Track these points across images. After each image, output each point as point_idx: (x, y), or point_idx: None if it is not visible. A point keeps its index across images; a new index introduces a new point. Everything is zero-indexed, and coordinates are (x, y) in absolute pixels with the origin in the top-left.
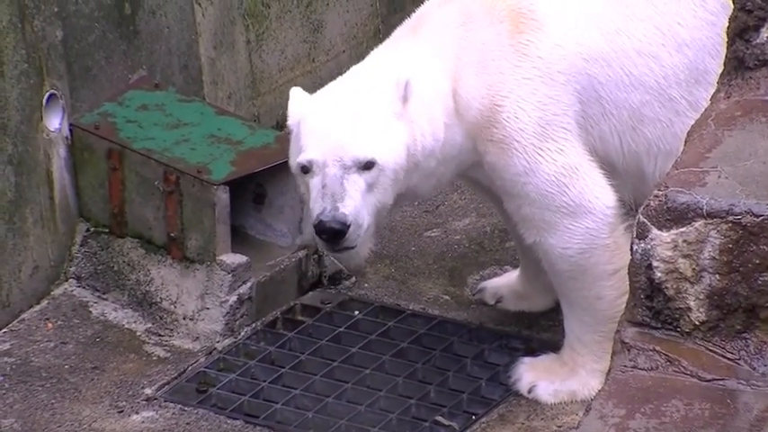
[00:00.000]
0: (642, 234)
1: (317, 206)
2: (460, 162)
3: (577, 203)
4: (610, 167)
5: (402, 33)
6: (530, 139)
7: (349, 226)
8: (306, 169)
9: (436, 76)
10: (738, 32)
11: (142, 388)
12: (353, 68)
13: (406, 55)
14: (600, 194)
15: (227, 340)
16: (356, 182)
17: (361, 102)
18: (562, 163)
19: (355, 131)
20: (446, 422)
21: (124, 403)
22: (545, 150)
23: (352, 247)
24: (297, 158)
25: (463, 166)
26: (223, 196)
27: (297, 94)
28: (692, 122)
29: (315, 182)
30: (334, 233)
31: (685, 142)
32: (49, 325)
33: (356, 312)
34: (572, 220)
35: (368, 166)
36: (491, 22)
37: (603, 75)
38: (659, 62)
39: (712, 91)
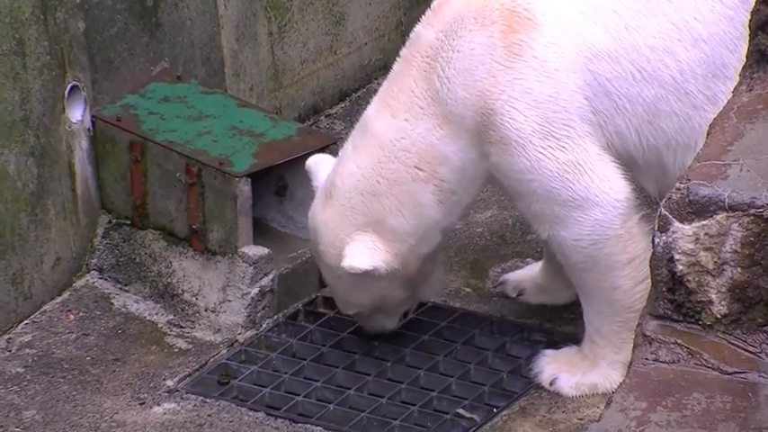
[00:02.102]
0: (664, 227)
1: None
2: (477, 181)
3: (584, 197)
4: (631, 161)
5: (380, 103)
6: (528, 137)
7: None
8: None
9: (419, 152)
10: (760, 25)
11: (164, 380)
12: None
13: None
14: (608, 188)
15: (248, 332)
16: (367, 316)
17: (338, 236)
18: (564, 160)
19: (338, 289)
20: (467, 415)
21: (145, 395)
22: (546, 148)
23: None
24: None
25: (481, 181)
26: (245, 188)
27: (315, 167)
28: (711, 116)
29: None
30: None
31: (707, 135)
32: (71, 317)
33: None
34: (581, 213)
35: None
36: (483, 24)
37: (610, 71)
38: (674, 57)
39: (731, 85)
